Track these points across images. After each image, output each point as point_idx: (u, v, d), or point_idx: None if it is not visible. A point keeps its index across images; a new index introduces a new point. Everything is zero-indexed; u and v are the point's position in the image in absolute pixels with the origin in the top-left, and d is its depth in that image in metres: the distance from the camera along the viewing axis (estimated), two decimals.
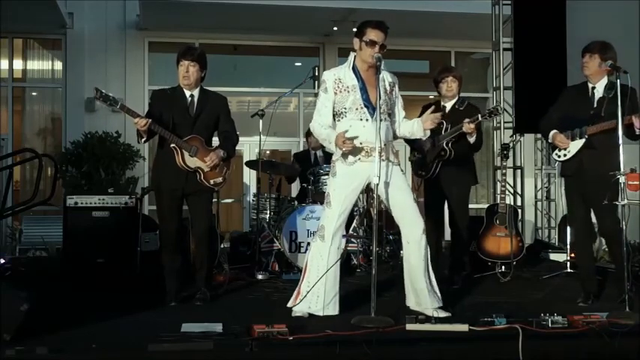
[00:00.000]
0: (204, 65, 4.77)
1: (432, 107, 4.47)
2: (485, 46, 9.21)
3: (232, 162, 4.92)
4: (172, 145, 4.62)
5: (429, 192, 5.65)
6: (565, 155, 4.76)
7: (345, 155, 4.23)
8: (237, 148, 4.94)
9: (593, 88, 4.74)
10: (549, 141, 4.89)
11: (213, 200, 5.09)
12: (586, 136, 4.62)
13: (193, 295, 4.76)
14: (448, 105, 5.57)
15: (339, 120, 4.28)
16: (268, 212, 6.60)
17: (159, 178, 4.76)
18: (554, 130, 4.79)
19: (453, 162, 5.43)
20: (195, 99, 4.75)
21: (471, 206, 6.06)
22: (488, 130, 9.71)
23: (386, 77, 4.32)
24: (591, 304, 4.68)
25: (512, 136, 8.53)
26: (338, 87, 4.25)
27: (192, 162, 4.65)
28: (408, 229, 4.29)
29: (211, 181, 4.73)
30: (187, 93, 4.75)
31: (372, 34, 4.21)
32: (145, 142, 4.74)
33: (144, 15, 9.79)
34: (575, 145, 4.69)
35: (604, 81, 4.72)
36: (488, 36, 8.76)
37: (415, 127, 4.40)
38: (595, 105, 4.69)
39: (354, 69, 4.29)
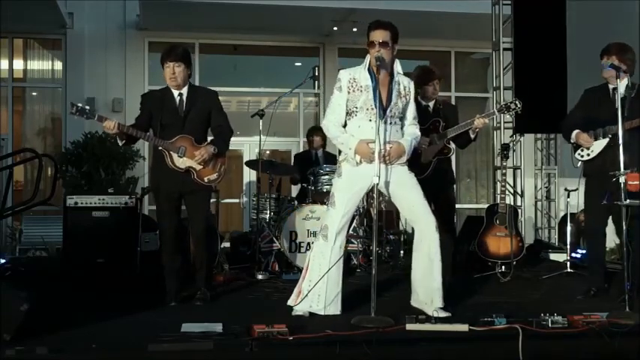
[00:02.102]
0: (189, 63, 4.77)
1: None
2: (486, 46, 9.21)
3: (226, 157, 4.88)
4: (159, 147, 4.63)
5: None
6: (588, 155, 4.77)
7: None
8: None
9: (614, 88, 4.70)
10: (572, 141, 4.87)
11: (213, 200, 5.07)
12: (609, 136, 4.62)
13: (193, 295, 4.75)
14: (431, 104, 5.57)
15: (349, 119, 4.29)
16: (268, 212, 6.60)
17: (157, 179, 4.78)
18: (577, 130, 4.79)
19: (444, 161, 5.43)
20: (184, 97, 4.73)
21: (470, 206, 6.06)
22: (488, 130, 9.71)
23: (402, 81, 4.35)
24: (590, 298, 4.74)
25: (512, 136, 8.52)
26: (352, 86, 4.26)
27: (182, 162, 4.64)
28: (421, 227, 4.29)
29: (205, 179, 4.71)
30: (176, 92, 4.73)
31: (370, 36, 4.28)
32: (124, 144, 4.79)
33: (144, 15, 9.79)
34: (599, 145, 4.71)
35: (624, 81, 4.69)
36: (488, 36, 8.76)
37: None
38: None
39: (370, 70, 4.30)
